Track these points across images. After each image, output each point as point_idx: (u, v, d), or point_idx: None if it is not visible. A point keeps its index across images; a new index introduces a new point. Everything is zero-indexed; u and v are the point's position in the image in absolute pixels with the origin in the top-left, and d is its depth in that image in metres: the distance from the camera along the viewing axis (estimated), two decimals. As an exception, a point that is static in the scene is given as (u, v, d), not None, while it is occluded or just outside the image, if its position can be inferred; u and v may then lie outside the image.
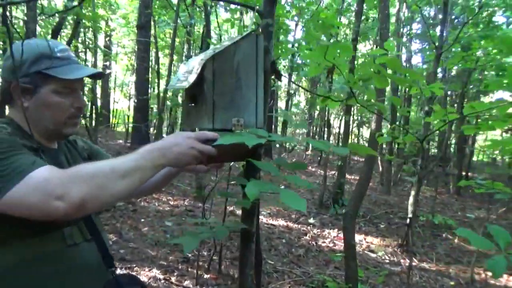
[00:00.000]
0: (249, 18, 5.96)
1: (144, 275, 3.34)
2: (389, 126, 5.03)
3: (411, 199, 5.06)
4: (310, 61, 1.46)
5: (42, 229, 0.95)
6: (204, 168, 1.23)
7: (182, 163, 0.99)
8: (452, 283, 4.12)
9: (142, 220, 4.69)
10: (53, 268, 0.96)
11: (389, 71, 1.66)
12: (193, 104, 1.32)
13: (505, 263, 0.91)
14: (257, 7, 1.45)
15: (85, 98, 1.06)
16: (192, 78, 1.27)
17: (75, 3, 4.11)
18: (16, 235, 0.92)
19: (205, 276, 3.45)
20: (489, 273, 4.54)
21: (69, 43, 4.25)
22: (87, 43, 10.35)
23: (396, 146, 10.17)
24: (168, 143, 0.97)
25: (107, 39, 14.30)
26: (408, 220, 4.50)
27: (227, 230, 1.29)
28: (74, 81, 1.07)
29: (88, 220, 1.09)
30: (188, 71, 1.32)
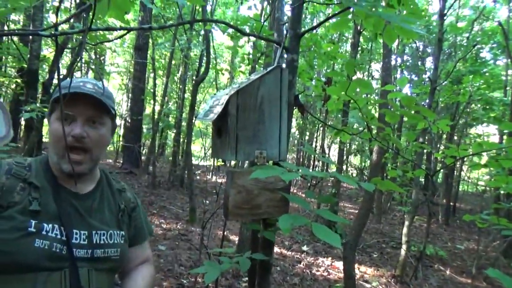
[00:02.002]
0: (250, 46, 6.07)
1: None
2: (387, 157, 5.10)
3: (405, 229, 5.09)
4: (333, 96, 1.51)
5: (15, 269, 0.91)
6: None
7: None
8: (446, 315, 4.10)
9: (135, 243, 4.58)
10: None
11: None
12: (218, 137, 1.35)
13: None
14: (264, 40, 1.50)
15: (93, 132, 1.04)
16: (217, 111, 1.30)
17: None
18: None
19: (201, 304, 3.38)
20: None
21: (72, 63, 4.26)
22: (90, 64, 10.33)
23: (387, 176, 10.25)
24: None
25: (101, 58, 14.35)
26: (417, 254, 4.48)
27: (249, 262, 1.29)
28: (70, 108, 1.00)
29: (74, 272, 0.97)
30: (215, 104, 1.35)
